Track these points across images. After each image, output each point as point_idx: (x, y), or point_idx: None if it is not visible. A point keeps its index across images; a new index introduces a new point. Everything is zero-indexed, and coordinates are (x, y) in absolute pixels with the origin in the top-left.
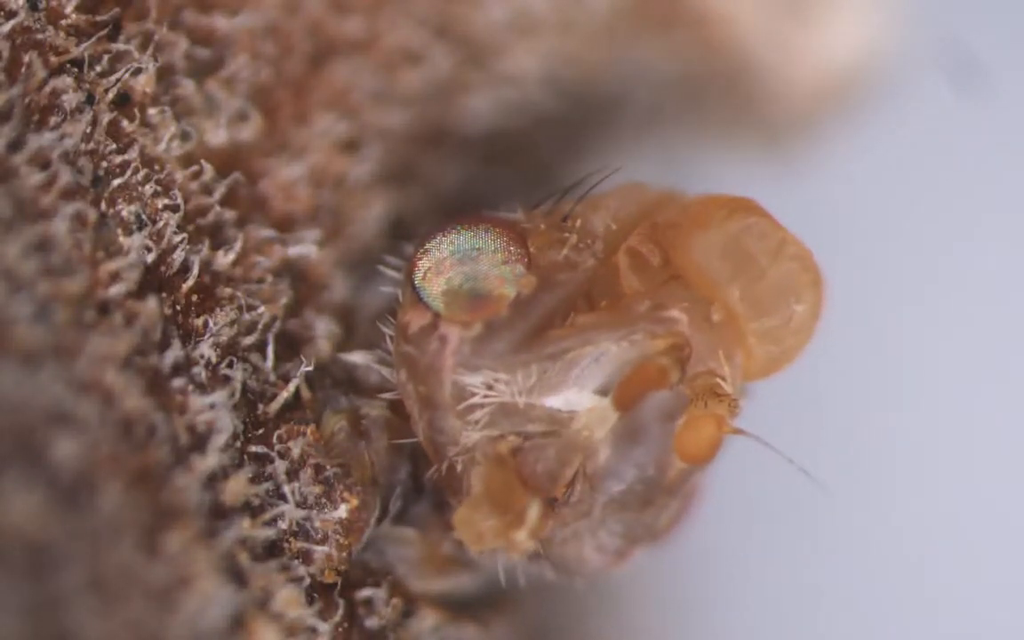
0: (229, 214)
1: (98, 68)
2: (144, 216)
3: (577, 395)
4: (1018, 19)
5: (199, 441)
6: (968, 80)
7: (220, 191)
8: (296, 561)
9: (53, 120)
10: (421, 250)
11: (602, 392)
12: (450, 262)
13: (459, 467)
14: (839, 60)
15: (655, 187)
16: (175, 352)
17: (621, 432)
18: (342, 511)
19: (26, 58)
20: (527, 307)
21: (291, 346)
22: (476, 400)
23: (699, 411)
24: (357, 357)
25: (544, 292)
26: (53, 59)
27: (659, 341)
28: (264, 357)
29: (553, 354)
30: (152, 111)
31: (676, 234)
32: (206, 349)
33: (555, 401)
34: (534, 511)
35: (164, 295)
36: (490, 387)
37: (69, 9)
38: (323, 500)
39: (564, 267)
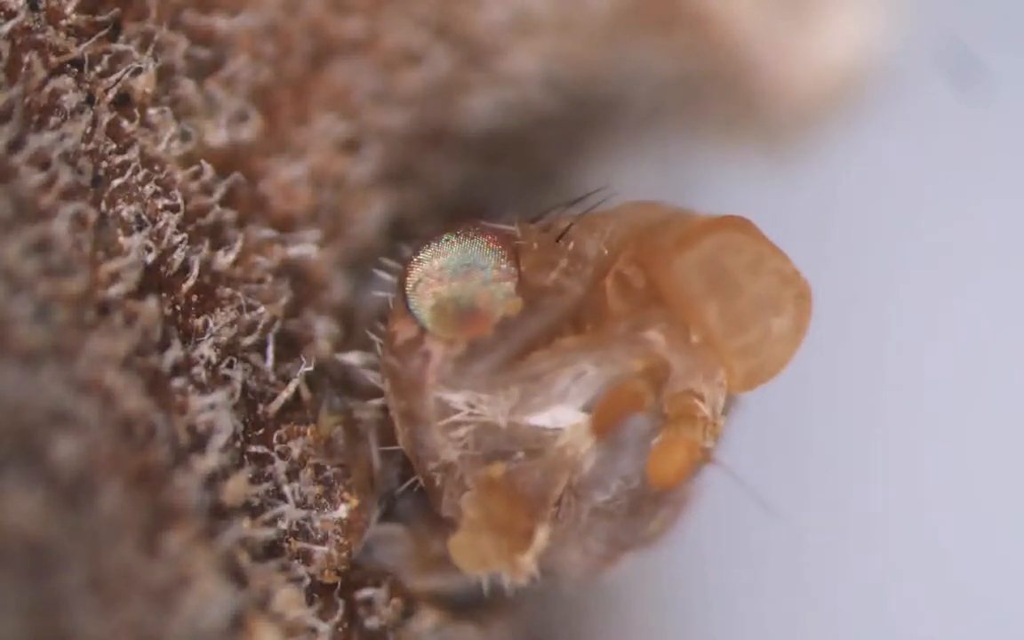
0: (229, 214)
1: (98, 68)
2: (144, 216)
3: (559, 413)
4: (1018, 19)
5: (199, 441)
6: (968, 80)
7: (220, 191)
8: (296, 561)
9: (53, 120)
10: (415, 259)
11: (584, 410)
12: (441, 275)
13: (437, 482)
14: (838, 60)
15: (657, 206)
16: (175, 352)
17: (604, 446)
18: (342, 511)
19: (26, 58)
20: (512, 330)
21: (291, 346)
22: (459, 418)
23: (672, 435)
24: (352, 358)
25: (530, 315)
26: (53, 59)
27: (636, 362)
28: (264, 357)
29: (534, 375)
30: (152, 111)
31: (657, 256)
32: (206, 349)
33: (537, 420)
34: (543, 534)
35: (164, 295)
36: (472, 406)
37: (69, 9)
38: (323, 500)
39: (552, 292)
